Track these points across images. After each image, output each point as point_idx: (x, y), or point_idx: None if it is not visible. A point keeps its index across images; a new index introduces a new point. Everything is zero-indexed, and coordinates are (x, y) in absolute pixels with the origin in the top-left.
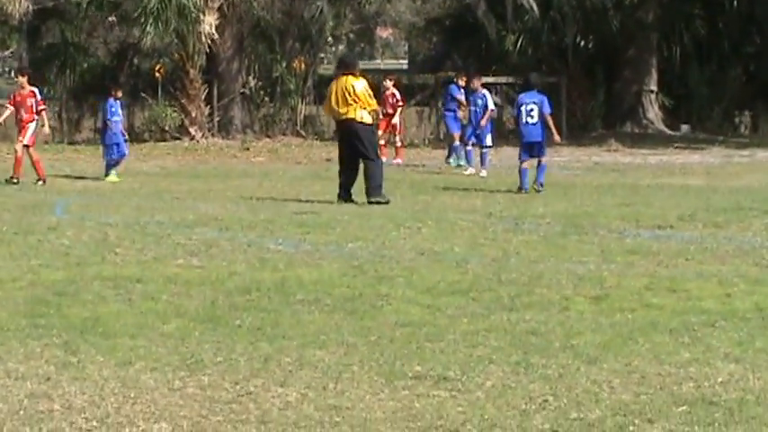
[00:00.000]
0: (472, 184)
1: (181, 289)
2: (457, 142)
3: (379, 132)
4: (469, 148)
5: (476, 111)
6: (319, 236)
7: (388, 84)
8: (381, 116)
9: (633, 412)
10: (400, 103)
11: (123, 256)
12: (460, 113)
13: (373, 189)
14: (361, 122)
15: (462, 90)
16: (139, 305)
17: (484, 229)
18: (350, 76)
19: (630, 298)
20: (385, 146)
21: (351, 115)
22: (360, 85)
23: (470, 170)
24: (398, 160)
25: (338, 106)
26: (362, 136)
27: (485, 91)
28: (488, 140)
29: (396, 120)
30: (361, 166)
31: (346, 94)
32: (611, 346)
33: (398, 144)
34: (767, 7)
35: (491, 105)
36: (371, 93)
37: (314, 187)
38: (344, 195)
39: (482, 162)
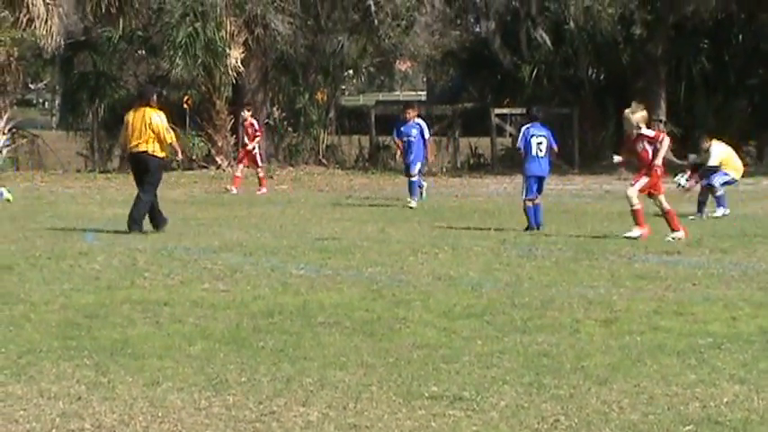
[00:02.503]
0: (485, 212)
1: (206, 312)
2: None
3: (240, 166)
4: (414, 179)
5: (409, 141)
6: (340, 261)
7: (246, 114)
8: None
9: (641, 430)
10: (258, 134)
11: (151, 280)
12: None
13: (134, 219)
14: (153, 155)
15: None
16: (167, 327)
17: (498, 255)
18: (148, 108)
19: (639, 321)
20: (239, 177)
21: (143, 148)
22: (157, 117)
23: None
24: (263, 190)
25: (133, 137)
26: (151, 168)
27: (419, 120)
28: (416, 169)
29: (255, 150)
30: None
31: (143, 126)
32: (621, 368)
33: (260, 174)
34: None
35: (427, 135)
36: (168, 126)
37: (335, 214)
38: (158, 224)
39: (415, 189)
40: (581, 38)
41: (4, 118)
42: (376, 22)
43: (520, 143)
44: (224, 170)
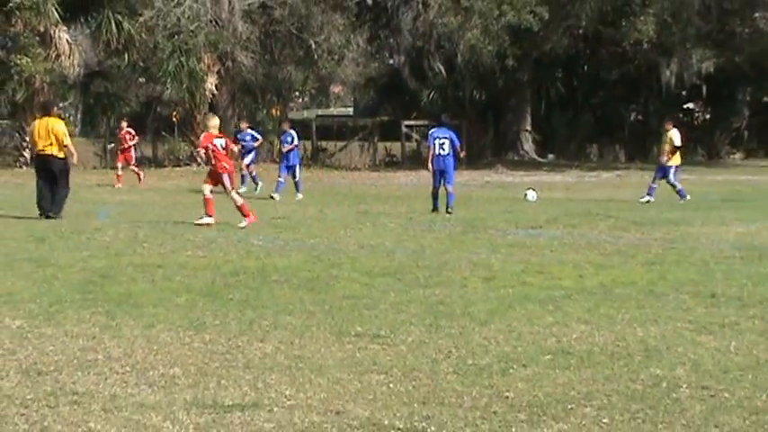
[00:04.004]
0: (397, 198)
1: (189, 272)
2: (245, 171)
3: (118, 165)
4: (281, 179)
5: (285, 148)
6: (289, 234)
7: (123, 125)
8: (119, 151)
9: (512, 359)
10: (135, 139)
11: (148, 248)
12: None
13: (57, 209)
14: (56, 157)
15: (253, 136)
16: (160, 284)
17: (406, 230)
18: (51, 118)
19: (510, 278)
20: (121, 175)
21: (49, 151)
22: (59, 126)
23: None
24: (141, 183)
25: (39, 142)
26: (56, 168)
27: (292, 131)
28: (297, 172)
29: (132, 152)
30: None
31: (48, 133)
32: (497, 313)
33: (136, 170)
34: (609, 71)
35: (296, 142)
36: (66, 132)
37: (285, 199)
38: (43, 214)
39: (296, 186)
40: (467, 68)
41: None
42: (315, 56)
43: (428, 141)
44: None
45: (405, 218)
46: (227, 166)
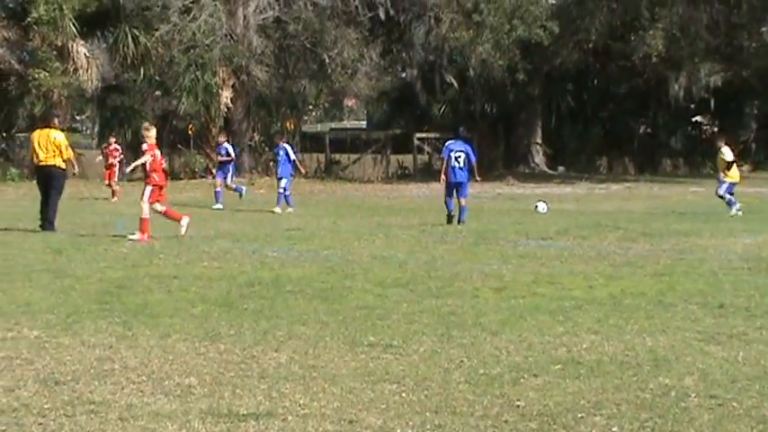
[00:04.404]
0: (409, 209)
1: (205, 283)
2: (218, 188)
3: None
4: (280, 191)
5: (278, 160)
6: (303, 245)
7: (112, 140)
8: (105, 167)
9: (523, 369)
10: (121, 156)
11: (164, 260)
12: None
13: (49, 221)
14: (58, 167)
15: (227, 150)
16: (175, 294)
17: (419, 241)
18: (51, 129)
19: (521, 288)
20: (116, 190)
21: (50, 162)
22: (60, 137)
23: (283, 210)
24: (115, 199)
25: (40, 153)
26: (56, 177)
27: (285, 144)
28: (282, 183)
29: (116, 167)
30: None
31: (48, 144)
32: (508, 323)
33: (116, 188)
34: (618, 85)
35: (293, 156)
36: (67, 143)
37: (299, 211)
38: (44, 225)
39: (287, 201)
40: (479, 82)
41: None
42: (329, 70)
43: (443, 154)
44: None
45: (417, 229)
46: (157, 179)
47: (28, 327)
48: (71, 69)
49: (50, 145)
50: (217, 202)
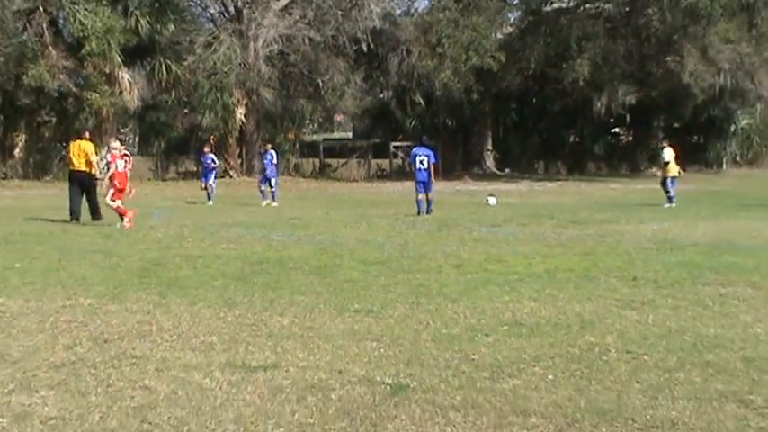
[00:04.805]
0: (387, 203)
1: (224, 261)
2: (208, 189)
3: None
4: (264, 188)
5: (265, 164)
6: (302, 231)
7: (116, 145)
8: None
9: (476, 329)
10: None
11: (192, 243)
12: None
13: (97, 215)
14: (86, 173)
15: (212, 159)
16: (200, 271)
17: (394, 228)
18: (83, 141)
19: (476, 265)
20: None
21: (82, 168)
22: (90, 147)
23: (265, 203)
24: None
25: (76, 160)
26: (87, 181)
27: (272, 151)
28: (273, 182)
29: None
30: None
31: (80, 153)
32: (465, 293)
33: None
34: (552, 103)
35: (275, 161)
36: (94, 152)
37: (299, 204)
38: (73, 218)
39: (273, 197)
40: (441, 101)
41: (105, 149)
42: (322, 92)
43: (410, 159)
44: (234, 178)
45: (392, 218)
46: (117, 185)
47: (83, 296)
48: (117, 92)
49: (82, 154)
50: (209, 200)
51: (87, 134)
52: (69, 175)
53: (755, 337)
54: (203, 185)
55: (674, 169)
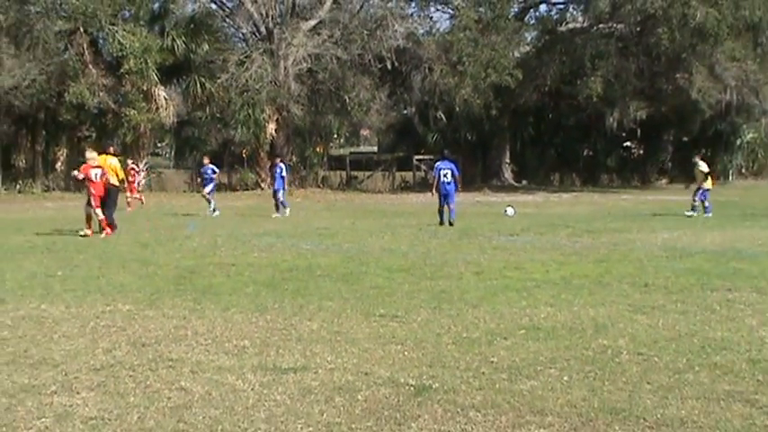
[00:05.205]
0: (410, 213)
1: (255, 269)
2: (208, 196)
3: (127, 193)
4: (282, 200)
5: (275, 177)
6: (329, 240)
7: (130, 162)
8: (126, 183)
9: (496, 333)
10: (138, 174)
11: (225, 251)
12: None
13: (113, 223)
14: (112, 185)
15: (213, 169)
16: (233, 278)
17: (417, 237)
18: (109, 156)
19: (495, 272)
20: (130, 201)
21: (110, 181)
22: (114, 161)
23: (277, 215)
24: (129, 209)
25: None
26: (111, 192)
27: (282, 164)
28: (280, 195)
29: (136, 183)
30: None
31: (106, 167)
32: (485, 298)
33: (131, 198)
34: (567, 118)
35: (285, 174)
36: (120, 166)
37: (326, 215)
38: (111, 224)
39: (284, 205)
40: (462, 116)
41: (143, 162)
42: (349, 108)
43: (434, 172)
44: (264, 190)
45: (416, 228)
46: (94, 192)
47: (122, 302)
48: (154, 108)
49: (108, 168)
50: (213, 210)
51: (112, 149)
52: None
53: (761, 340)
54: (206, 194)
55: (709, 181)
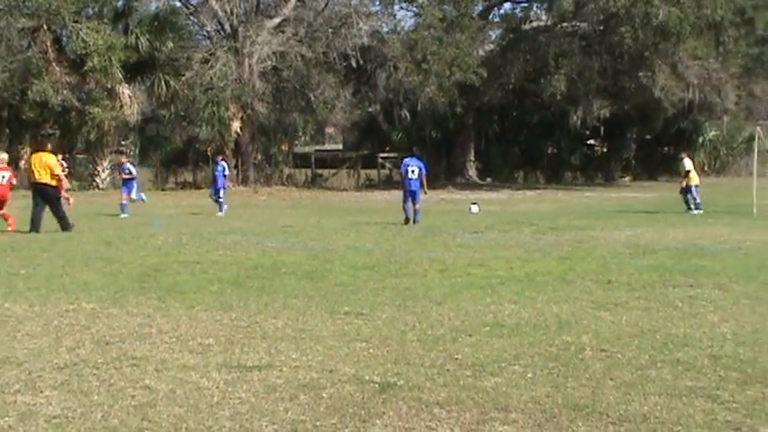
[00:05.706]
0: (374, 211)
1: (220, 267)
2: (124, 201)
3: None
4: (222, 199)
5: (216, 175)
6: (294, 238)
7: (59, 157)
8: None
9: (460, 330)
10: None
11: (190, 249)
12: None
13: (64, 224)
14: (48, 185)
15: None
16: (198, 276)
17: (382, 234)
18: (44, 153)
19: (459, 270)
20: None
21: (43, 180)
22: (51, 159)
23: (220, 214)
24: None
25: (35, 173)
26: (48, 193)
27: (223, 163)
28: (221, 194)
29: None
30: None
31: (42, 165)
32: (449, 296)
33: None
34: (531, 116)
35: (227, 172)
36: (57, 164)
37: (291, 213)
38: (34, 229)
39: (220, 207)
40: (427, 114)
41: (107, 160)
42: (314, 106)
43: (402, 168)
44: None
45: (381, 226)
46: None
47: (85, 301)
48: (118, 106)
49: (43, 166)
50: (123, 212)
51: (49, 146)
52: (33, 188)
53: (722, 336)
54: (125, 197)
55: (695, 178)
